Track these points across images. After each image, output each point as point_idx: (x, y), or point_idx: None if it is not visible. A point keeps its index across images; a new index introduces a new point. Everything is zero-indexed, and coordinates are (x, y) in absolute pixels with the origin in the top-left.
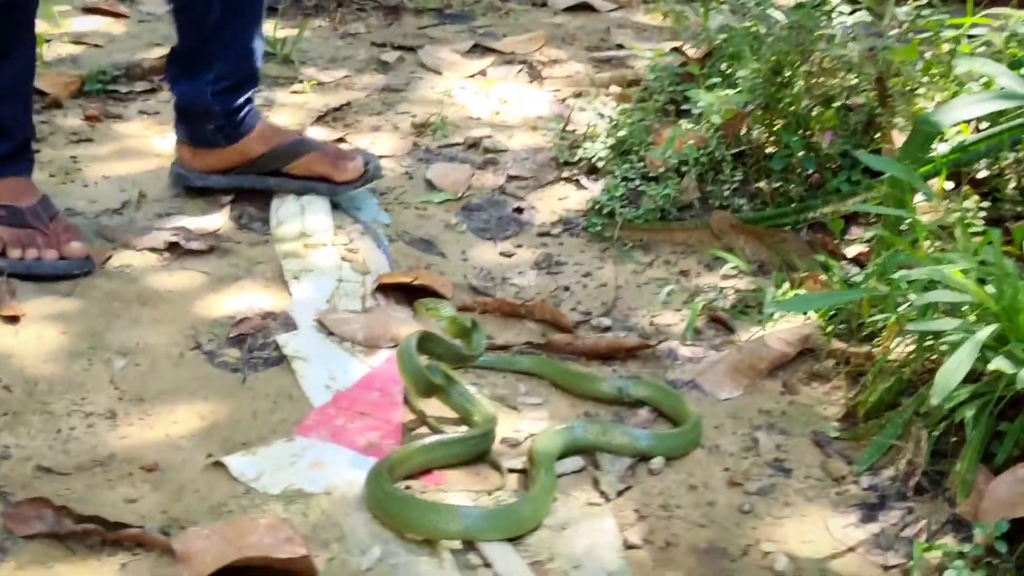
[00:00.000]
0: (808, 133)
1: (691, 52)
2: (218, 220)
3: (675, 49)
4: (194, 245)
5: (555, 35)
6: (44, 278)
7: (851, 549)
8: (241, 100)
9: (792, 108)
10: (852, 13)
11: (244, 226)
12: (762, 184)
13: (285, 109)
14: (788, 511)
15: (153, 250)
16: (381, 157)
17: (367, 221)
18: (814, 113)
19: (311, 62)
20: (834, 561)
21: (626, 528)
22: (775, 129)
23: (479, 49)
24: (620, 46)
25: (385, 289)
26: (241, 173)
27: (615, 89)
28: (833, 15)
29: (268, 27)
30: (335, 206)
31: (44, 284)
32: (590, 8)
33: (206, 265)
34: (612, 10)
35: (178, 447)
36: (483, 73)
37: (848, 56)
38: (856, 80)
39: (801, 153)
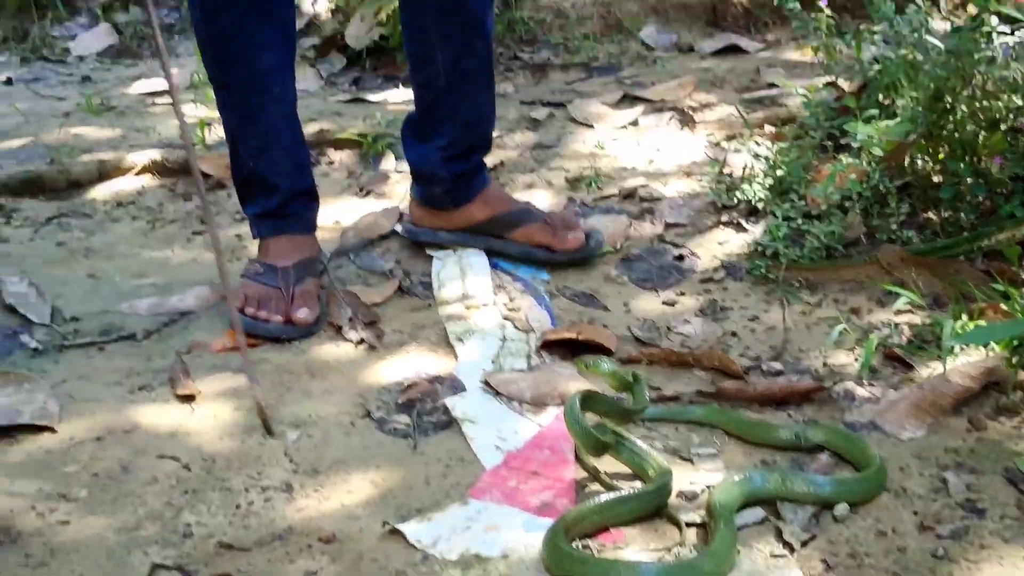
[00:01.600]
0: (976, 159)
1: (846, 85)
2: (385, 290)
3: (830, 84)
4: (361, 315)
5: (704, 79)
6: (260, 337)
7: None
8: (469, 166)
9: (957, 135)
10: (1013, 33)
11: (407, 291)
12: (931, 214)
13: None
14: (984, 554)
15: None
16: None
17: (527, 279)
18: (980, 138)
19: None
20: None
21: None
22: (940, 158)
23: (628, 99)
24: (772, 85)
25: (550, 346)
26: (465, 232)
27: (769, 129)
28: (993, 36)
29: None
30: (494, 265)
31: (217, 361)
32: (738, 50)
33: (370, 333)
34: (760, 50)
35: (354, 516)
36: (634, 123)
37: (1012, 76)
38: (1023, 101)
39: (970, 180)
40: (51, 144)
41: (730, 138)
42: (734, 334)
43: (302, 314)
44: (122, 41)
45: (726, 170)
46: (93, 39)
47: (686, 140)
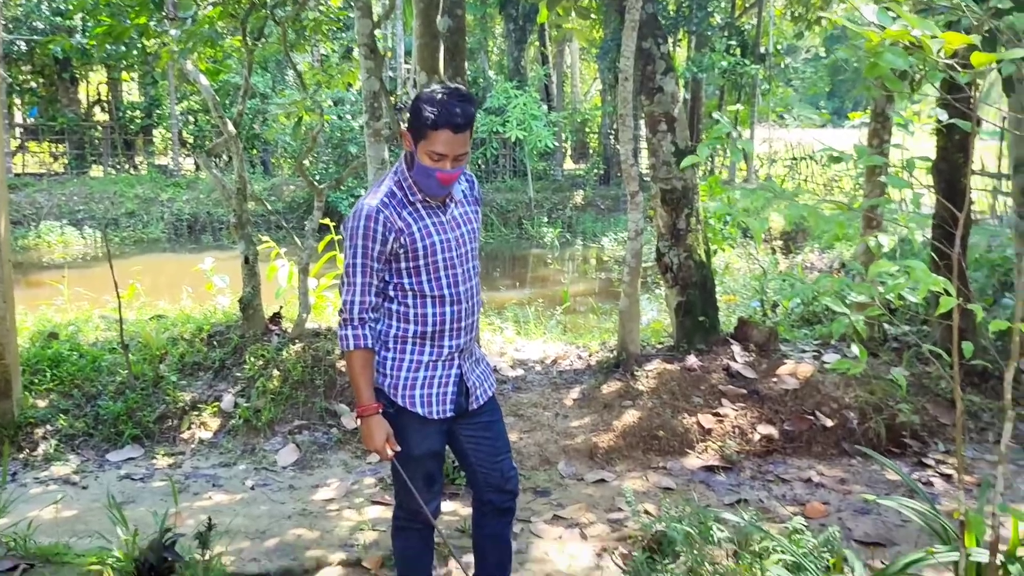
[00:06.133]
0: None
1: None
2: None
3: (644, 547)
4: None
5: (589, 501)
6: None
7: None
8: None
9: None
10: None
11: None
12: None
13: None
14: None
15: None
16: None
17: None
18: None
19: None
20: None
21: None
22: None
23: (555, 518)
24: (620, 508)
25: None
26: None
27: (622, 550)
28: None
29: None
30: None
31: None
32: (604, 481)
33: None
34: (615, 479)
35: None
36: (560, 538)
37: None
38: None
39: None
40: (289, 542)
41: (604, 550)
42: None
43: None
44: (302, 455)
45: None
46: (287, 454)
47: (584, 550)
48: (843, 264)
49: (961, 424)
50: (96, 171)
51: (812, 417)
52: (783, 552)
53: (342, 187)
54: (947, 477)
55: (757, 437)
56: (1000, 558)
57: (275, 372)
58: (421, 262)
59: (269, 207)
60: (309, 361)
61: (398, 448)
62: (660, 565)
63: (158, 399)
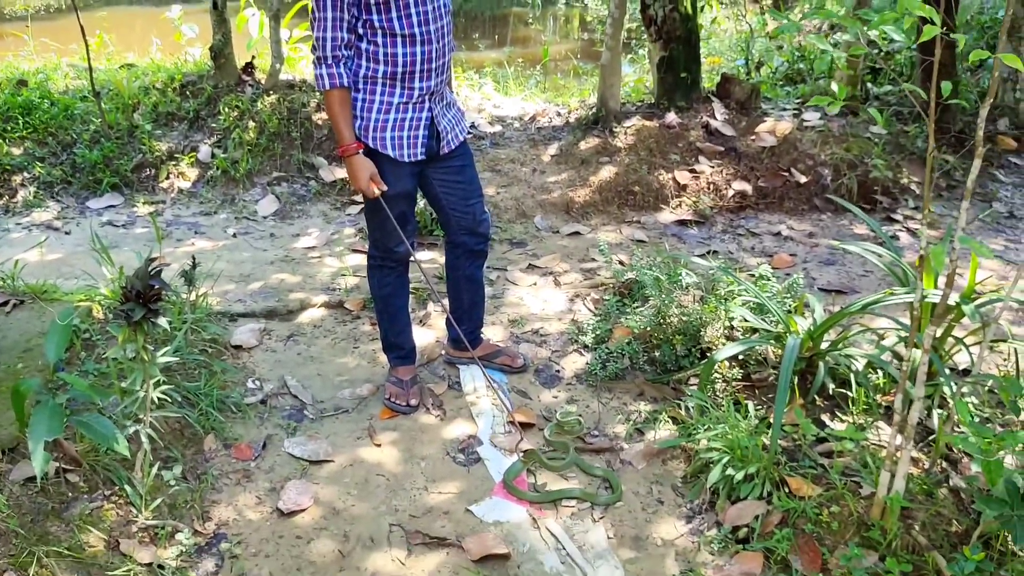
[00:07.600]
0: (672, 344)
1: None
2: (443, 387)
3: (615, 292)
4: (435, 401)
5: (563, 252)
6: (396, 412)
7: None
8: (475, 335)
9: (668, 331)
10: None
11: (451, 387)
12: (656, 354)
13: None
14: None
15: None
16: (500, 343)
17: (498, 380)
18: (675, 338)
19: None
20: None
21: None
22: (667, 334)
23: (531, 267)
24: (593, 259)
25: (512, 421)
26: (471, 359)
27: (593, 296)
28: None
29: None
30: (484, 372)
31: (388, 425)
32: (579, 233)
33: (439, 412)
34: (589, 232)
35: (451, 503)
36: (534, 284)
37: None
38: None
39: (668, 352)
40: (272, 285)
41: (576, 296)
42: (581, 415)
43: (414, 402)
44: (282, 206)
45: (576, 319)
46: (267, 204)
47: (557, 294)
48: (832, 26)
49: (932, 152)
50: None
51: (787, 174)
52: (748, 295)
53: None
54: (913, 232)
55: (731, 193)
56: (956, 299)
57: (251, 123)
58: None
59: None
60: (285, 113)
61: (384, 187)
62: (630, 308)
63: (134, 148)
